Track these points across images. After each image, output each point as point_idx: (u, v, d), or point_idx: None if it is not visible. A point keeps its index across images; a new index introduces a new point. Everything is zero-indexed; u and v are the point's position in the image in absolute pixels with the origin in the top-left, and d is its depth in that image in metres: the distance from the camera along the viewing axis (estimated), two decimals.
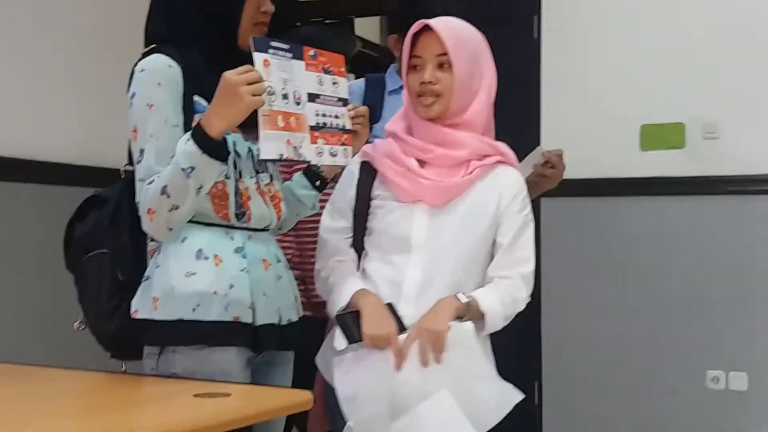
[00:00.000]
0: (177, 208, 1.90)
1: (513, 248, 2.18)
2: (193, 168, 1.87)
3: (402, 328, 2.08)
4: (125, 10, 3.38)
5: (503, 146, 2.25)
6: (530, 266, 2.20)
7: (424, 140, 2.20)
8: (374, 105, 2.80)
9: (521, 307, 2.20)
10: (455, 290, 2.12)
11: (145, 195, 1.93)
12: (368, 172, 2.24)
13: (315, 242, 2.31)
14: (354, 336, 2.07)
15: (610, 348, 3.99)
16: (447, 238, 2.15)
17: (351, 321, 2.09)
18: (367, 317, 2.08)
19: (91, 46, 3.65)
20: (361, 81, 3.04)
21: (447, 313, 2.08)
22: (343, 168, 2.28)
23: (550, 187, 2.85)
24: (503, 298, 2.15)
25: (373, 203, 2.22)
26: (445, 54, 2.14)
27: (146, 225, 1.95)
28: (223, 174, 1.97)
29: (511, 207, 2.20)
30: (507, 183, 2.21)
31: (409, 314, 2.12)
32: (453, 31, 2.16)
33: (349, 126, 2.08)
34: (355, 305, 2.11)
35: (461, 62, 2.14)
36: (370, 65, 3.85)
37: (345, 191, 2.26)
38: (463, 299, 2.11)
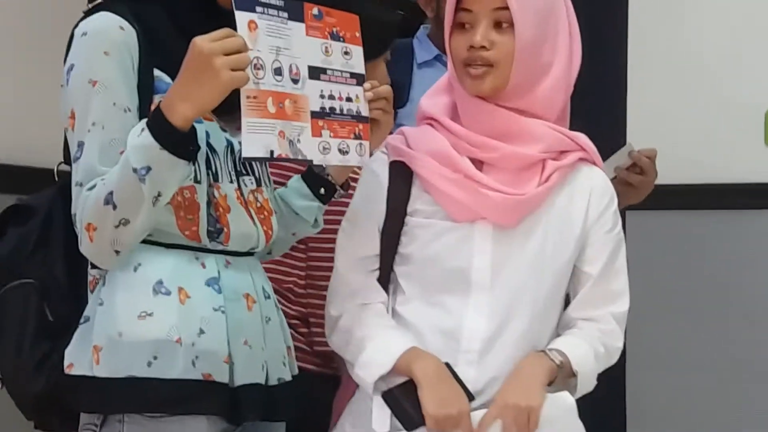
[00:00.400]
0: (127, 222, 1.92)
1: (604, 280, 2.22)
2: (148, 168, 1.88)
3: (470, 398, 2.10)
4: None
5: (583, 138, 2.26)
6: (625, 303, 2.24)
7: (480, 130, 2.19)
8: (400, 82, 2.81)
9: (615, 358, 2.23)
10: (532, 342, 2.16)
11: (84, 205, 1.93)
12: (401, 177, 2.22)
13: (330, 266, 2.31)
14: (412, 419, 2.07)
15: (715, 413, 3.98)
16: (521, 270, 2.17)
17: (403, 397, 2.09)
18: (428, 390, 2.08)
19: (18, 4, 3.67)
20: None
21: (538, 381, 2.09)
22: (357, 170, 2.29)
23: (636, 201, 2.88)
24: (596, 350, 2.18)
25: (411, 221, 2.21)
26: (506, 8, 2.13)
27: (86, 246, 1.96)
28: (190, 177, 1.98)
29: (601, 224, 2.23)
30: (594, 191, 2.24)
31: (470, 378, 2.13)
32: None
33: (365, 112, 2.08)
34: (406, 371, 2.11)
35: (527, 20, 2.13)
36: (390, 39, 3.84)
37: (370, 204, 2.23)
38: (556, 359, 2.12)
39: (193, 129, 1.92)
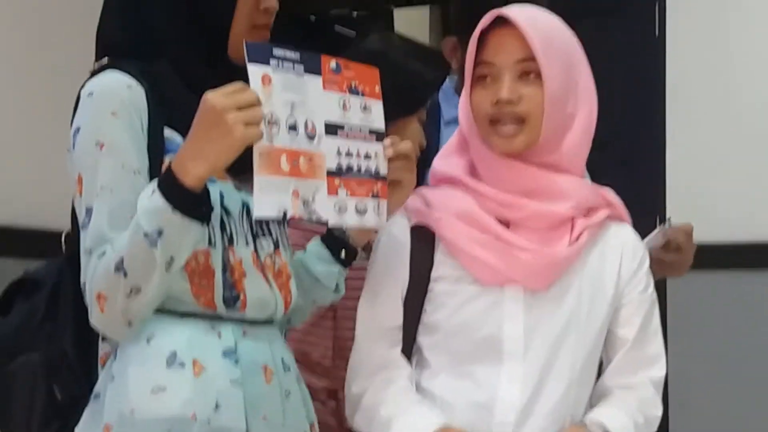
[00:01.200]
0: (139, 291, 1.90)
1: (641, 344, 2.21)
2: (160, 232, 1.87)
3: None
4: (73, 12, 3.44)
5: (610, 193, 2.25)
6: (663, 368, 2.24)
7: (505, 188, 2.16)
8: (426, 143, 2.78)
9: (655, 428, 2.22)
10: (568, 411, 2.14)
11: (94, 273, 1.92)
12: (424, 241, 2.19)
13: None
14: None
15: None
16: (555, 336, 2.15)
17: None
18: None
19: (23, 57, 3.71)
20: None
21: None
22: (376, 231, 2.25)
23: (673, 275, 2.86)
24: (636, 420, 2.17)
25: (436, 288, 2.18)
26: (531, 59, 2.11)
27: (96, 317, 1.94)
28: (204, 241, 1.96)
29: (634, 284, 2.22)
30: (625, 250, 2.22)
31: None
32: (541, 26, 2.14)
33: (384, 170, 2.06)
34: None
35: (554, 72, 2.12)
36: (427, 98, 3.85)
37: (392, 271, 2.20)
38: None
39: (206, 189, 1.92)
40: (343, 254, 2.25)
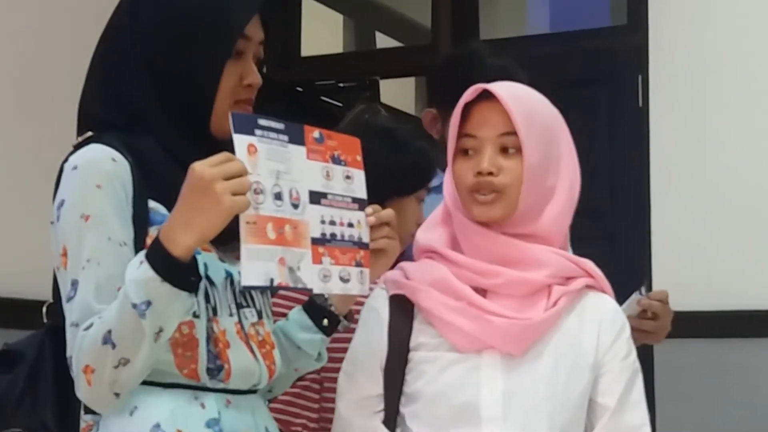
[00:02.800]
0: (127, 362, 1.89)
1: (622, 413, 2.18)
2: (149, 303, 1.85)
3: None
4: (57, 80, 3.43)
5: (589, 264, 2.26)
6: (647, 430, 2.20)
7: (483, 257, 2.19)
8: None
9: None
10: None
11: (81, 346, 1.91)
12: (402, 311, 2.21)
13: None
14: None
15: None
16: (534, 400, 2.14)
17: None
18: None
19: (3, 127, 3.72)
20: None
21: None
22: (364, 298, 2.25)
23: (651, 342, 2.85)
24: None
25: (415, 357, 2.19)
26: (512, 133, 2.16)
27: (83, 389, 1.93)
28: (191, 311, 1.96)
29: (614, 352, 2.21)
30: (605, 318, 2.22)
31: None
32: (523, 102, 2.18)
33: (366, 238, 2.07)
34: None
35: (534, 146, 2.16)
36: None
37: (371, 341, 2.22)
38: None
39: (194, 259, 1.91)
40: (325, 322, 2.24)
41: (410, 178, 2.68)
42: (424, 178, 2.70)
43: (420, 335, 2.19)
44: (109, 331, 1.87)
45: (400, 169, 2.61)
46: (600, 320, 2.21)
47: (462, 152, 2.20)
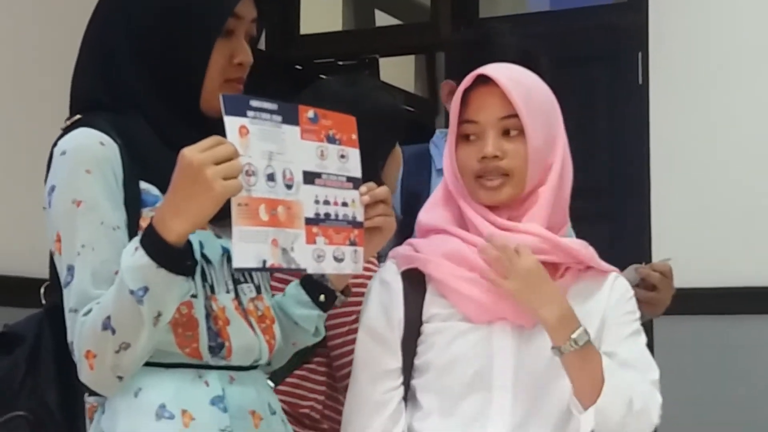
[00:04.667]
0: (128, 347, 1.89)
1: (629, 353, 2.19)
2: (146, 289, 1.85)
3: None
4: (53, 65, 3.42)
5: (581, 250, 2.24)
6: (656, 371, 2.20)
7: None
8: (418, 191, 2.78)
9: (653, 421, 2.16)
10: None
11: (81, 331, 1.91)
12: (414, 285, 2.22)
13: None
14: None
15: None
16: (543, 371, 2.16)
17: None
18: None
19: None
20: None
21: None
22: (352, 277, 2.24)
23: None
24: (632, 393, 2.12)
25: (428, 328, 2.20)
26: (512, 116, 2.17)
27: (85, 374, 1.93)
28: (189, 293, 1.95)
29: (619, 309, 2.23)
30: (609, 284, 2.25)
31: None
32: (521, 83, 2.20)
33: (360, 217, 2.07)
34: None
35: (536, 125, 2.18)
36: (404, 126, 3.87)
37: (387, 313, 2.22)
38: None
39: (189, 243, 1.90)
40: (322, 298, 2.24)
41: (394, 129, 2.70)
42: (402, 124, 2.72)
43: (432, 307, 2.20)
44: (108, 317, 1.87)
45: (384, 127, 2.62)
46: (605, 288, 2.24)
47: (464, 138, 2.22)
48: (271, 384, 2.47)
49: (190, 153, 1.82)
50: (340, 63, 5.69)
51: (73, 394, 2.02)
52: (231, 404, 2.00)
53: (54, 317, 2.00)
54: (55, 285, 2.02)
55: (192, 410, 1.97)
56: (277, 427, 2.10)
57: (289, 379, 2.53)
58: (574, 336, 2.08)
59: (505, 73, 2.19)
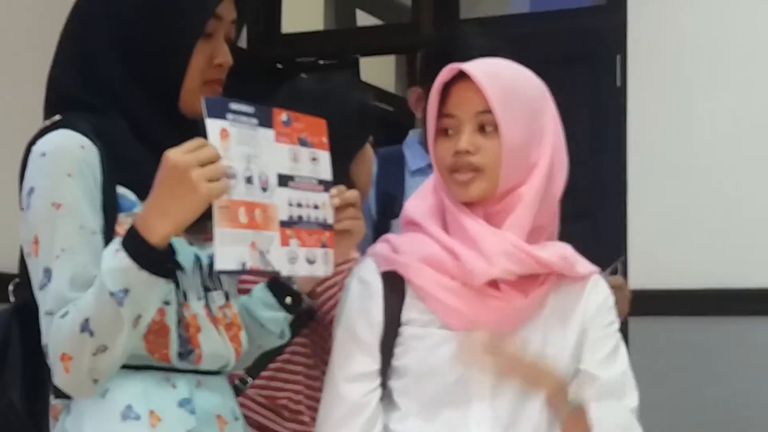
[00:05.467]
0: (105, 349, 1.88)
1: (608, 373, 2.19)
2: (126, 291, 1.85)
3: None
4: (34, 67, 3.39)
5: (553, 257, 2.22)
6: (636, 398, 2.21)
7: (464, 238, 2.17)
8: (393, 193, 2.79)
9: None
10: None
11: (57, 334, 1.90)
12: (394, 286, 2.19)
13: None
14: None
15: None
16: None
17: None
18: None
19: None
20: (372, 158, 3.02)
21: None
22: (322, 279, 2.25)
23: None
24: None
25: (406, 331, 2.18)
26: (490, 112, 2.14)
27: (60, 377, 1.92)
28: (168, 296, 1.96)
29: (599, 320, 2.23)
30: (588, 288, 2.24)
31: None
32: (500, 78, 2.16)
33: (331, 220, 2.08)
34: None
35: (512, 123, 2.14)
36: (383, 126, 3.86)
37: (367, 315, 2.20)
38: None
39: (171, 246, 1.90)
40: (288, 300, 2.24)
41: (364, 126, 2.71)
42: (372, 121, 2.73)
43: (411, 311, 2.18)
44: (87, 319, 1.86)
45: (354, 124, 2.63)
46: (585, 292, 2.23)
47: (442, 132, 2.19)
48: (249, 380, 2.48)
49: (175, 155, 1.81)
50: (321, 62, 5.68)
51: (39, 394, 2.01)
52: (198, 407, 2.01)
53: (22, 315, 2.00)
54: (25, 284, 2.00)
55: (159, 411, 1.96)
56: None
57: (264, 372, 2.53)
58: (569, 399, 2.11)
59: (483, 69, 2.15)
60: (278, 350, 2.47)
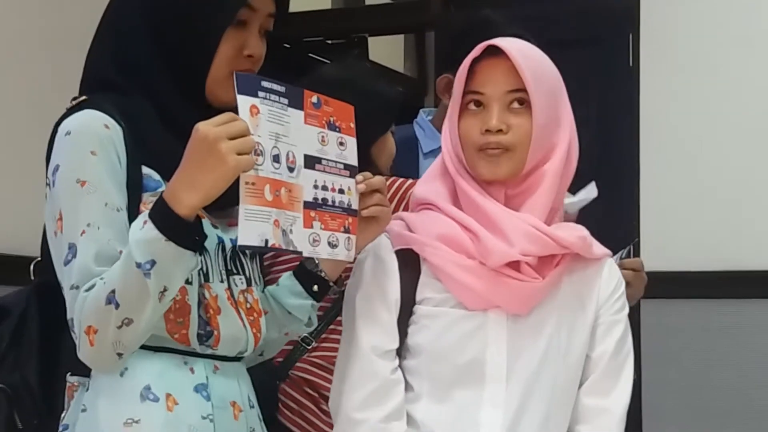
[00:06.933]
0: (131, 322, 1.88)
1: (613, 368, 2.22)
2: (153, 262, 1.85)
3: None
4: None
5: (571, 237, 2.22)
6: (629, 394, 2.23)
7: (481, 219, 2.16)
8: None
9: None
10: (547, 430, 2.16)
11: (83, 307, 1.90)
12: (409, 264, 2.19)
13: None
14: None
15: None
16: (536, 361, 2.16)
17: None
18: None
19: None
20: None
21: None
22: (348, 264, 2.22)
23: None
24: None
25: (420, 310, 2.18)
26: (520, 90, 2.14)
27: (85, 350, 1.92)
28: (196, 270, 1.96)
29: (609, 306, 2.24)
30: (603, 274, 2.25)
31: None
32: (531, 59, 2.16)
33: (356, 205, 2.08)
34: None
35: (542, 103, 2.14)
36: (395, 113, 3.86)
37: (386, 294, 2.18)
38: None
39: (198, 218, 1.90)
40: (315, 288, 2.23)
41: (387, 114, 2.75)
42: (396, 109, 2.78)
43: (426, 289, 2.17)
44: (113, 291, 1.86)
45: (377, 111, 2.66)
46: (599, 277, 2.23)
47: (468, 109, 2.18)
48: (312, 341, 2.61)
49: (205, 126, 1.83)
50: (329, 42, 5.66)
51: (54, 372, 2.02)
52: (214, 393, 2.01)
53: (42, 294, 2.01)
54: (46, 263, 2.01)
55: (176, 395, 1.97)
56: (254, 422, 2.11)
57: (311, 359, 2.62)
58: None
59: (515, 46, 2.15)
60: (335, 314, 2.56)
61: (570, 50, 4.70)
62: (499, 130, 2.13)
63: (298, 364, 2.64)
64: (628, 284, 2.75)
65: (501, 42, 2.15)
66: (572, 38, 4.77)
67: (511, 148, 2.14)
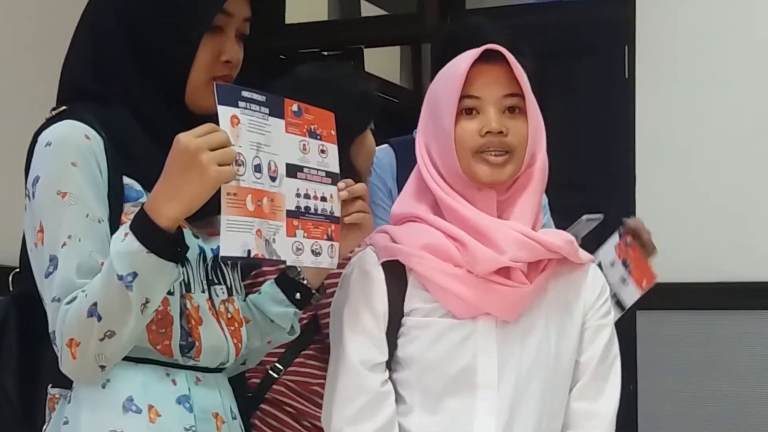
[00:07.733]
0: (113, 334, 1.88)
1: (601, 372, 2.23)
2: (135, 275, 1.85)
3: None
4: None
5: (556, 241, 2.22)
6: (618, 398, 2.24)
7: (467, 228, 2.16)
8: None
9: None
10: None
11: (65, 319, 1.90)
12: (395, 276, 2.19)
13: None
14: None
15: None
16: (527, 368, 2.16)
17: None
18: None
19: None
20: (388, 148, 3.01)
21: None
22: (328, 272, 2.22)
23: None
24: None
25: (409, 321, 2.18)
26: (515, 95, 2.17)
27: (67, 363, 1.92)
28: (177, 281, 1.95)
29: (594, 311, 2.25)
30: (588, 279, 2.26)
31: None
32: (519, 64, 2.19)
33: (338, 212, 2.08)
34: None
35: (534, 106, 2.19)
36: (389, 117, 3.85)
37: (374, 307, 2.18)
38: None
39: (180, 229, 1.90)
40: (298, 296, 2.22)
41: (365, 112, 2.73)
42: (375, 107, 2.77)
43: (414, 300, 2.18)
44: (95, 304, 1.86)
45: (355, 109, 2.65)
46: (584, 282, 2.24)
47: (463, 114, 2.18)
48: (281, 368, 2.58)
49: (186, 137, 1.82)
50: (325, 53, 5.66)
51: (34, 383, 2.01)
52: (196, 404, 2.01)
53: (21, 305, 2.01)
54: (26, 274, 2.00)
55: (158, 406, 1.97)
56: None
57: (296, 359, 2.59)
58: None
59: (509, 52, 2.18)
60: (308, 339, 2.56)
61: (566, 61, 4.72)
62: (500, 132, 2.14)
63: (274, 387, 2.60)
64: (644, 245, 2.98)
65: (498, 47, 2.17)
66: (569, 50, 4.78)
67: (512, 151, 2.15)
